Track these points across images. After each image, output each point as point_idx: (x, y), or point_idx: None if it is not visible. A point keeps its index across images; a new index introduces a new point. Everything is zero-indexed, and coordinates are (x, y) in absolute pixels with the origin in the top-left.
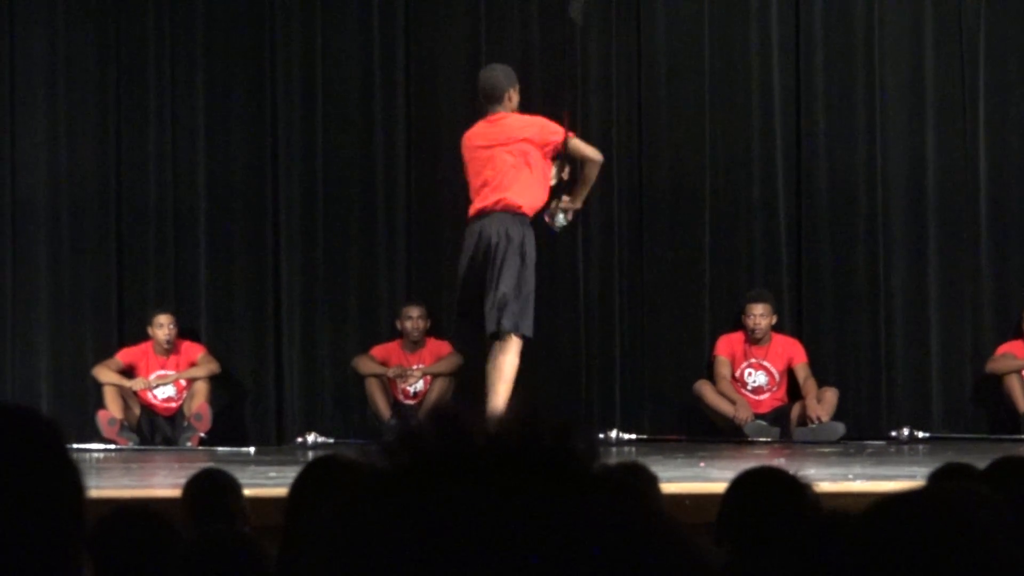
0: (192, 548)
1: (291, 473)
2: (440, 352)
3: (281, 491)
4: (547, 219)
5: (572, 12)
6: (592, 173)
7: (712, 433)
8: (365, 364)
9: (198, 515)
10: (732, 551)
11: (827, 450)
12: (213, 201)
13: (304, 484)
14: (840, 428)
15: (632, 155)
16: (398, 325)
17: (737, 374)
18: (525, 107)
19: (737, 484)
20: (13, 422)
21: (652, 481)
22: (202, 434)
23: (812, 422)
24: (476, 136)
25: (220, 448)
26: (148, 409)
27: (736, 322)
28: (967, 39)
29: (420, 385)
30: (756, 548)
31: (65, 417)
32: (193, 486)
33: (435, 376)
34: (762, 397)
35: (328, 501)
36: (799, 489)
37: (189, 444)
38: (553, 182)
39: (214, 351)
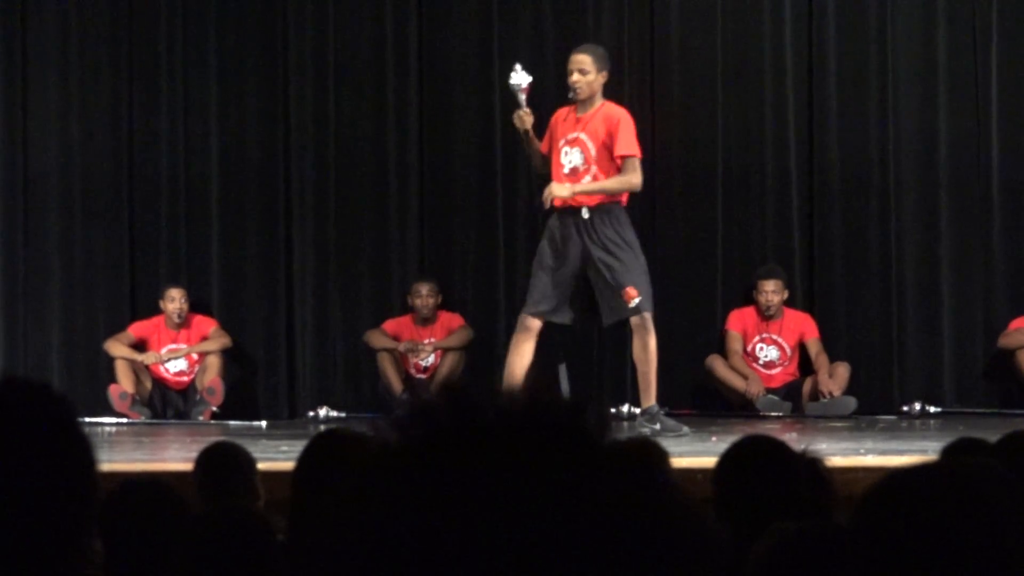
0: (201, 523)
1: (303, 447)
2: (451, 326)
3: (293, 465)
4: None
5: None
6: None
7: (724, 408)
8: (377, 338)
9: (209, 488)
10: (731, 526)
11: (839, 424)
12: (225, 176)
13: (310, 458)
14: (852, 403)
15: (644, 132)
16: (409, 302)
17: (749, 349)
18: (538, 92)
19: (726, 459)
20: (25, 397)
21: (663, 456)
22: (214, 408)
23: (824, 397)
24: None
25: (232, 422)
26: (160, 383)
27: (748, 297)
28: (979, 15)
29: (431, 359)
30: (754, 521)
31: (77, 391)
32: (205, 460)
33: (446, 350)
34: (774, 372)
35: (335, 474)
36: (788, 455)
37: (201, 418)
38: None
39: (226, 325)
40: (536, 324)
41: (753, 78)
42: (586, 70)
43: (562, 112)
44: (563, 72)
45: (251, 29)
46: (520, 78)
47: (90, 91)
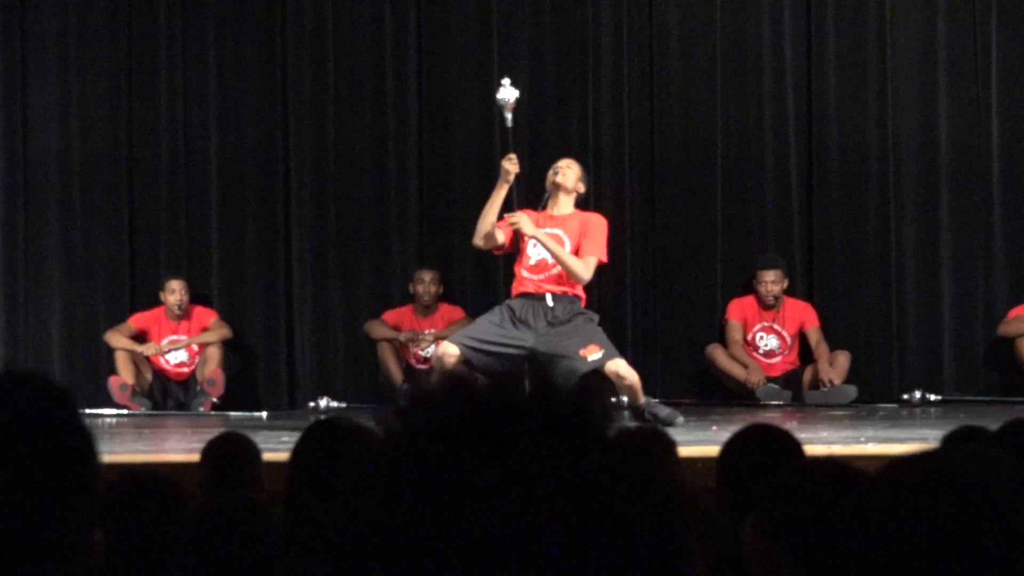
0: (201, 513)
1: (298, 437)
2: (452, 317)
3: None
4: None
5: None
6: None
7: (724, 396)
8: (377, 328)
9: (215, 478)
10: (733, 514)
11: (839, 413)
12: (225, 167)
13: (306, 447)
14: (852, 391)
15: (643, 120)
16: (411, 289)
17: (749, 338)
18: (537, 79)
19: (730, 447)
20: (26, 389)
21: (670, 446)
22: (215, 399)
23: (824, 385)
24: None
25: (233, 413)
26: (160, 374)
27: (748, 286)
28: (979, 4)
29: (432, 349)
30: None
31: (77, 383)
32: (212, 450)
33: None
34: (774, 361)
35: (330, 463)
36: (792, 443)
37: (202, 409)
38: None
39: (226, 316)
40: (455, 352)
41: (752, 68)
42: (573, 168)
43: (531, 213)
44: (562, 67)
45: (250, 22)
46: (508, 93)
47: (89, 84)
